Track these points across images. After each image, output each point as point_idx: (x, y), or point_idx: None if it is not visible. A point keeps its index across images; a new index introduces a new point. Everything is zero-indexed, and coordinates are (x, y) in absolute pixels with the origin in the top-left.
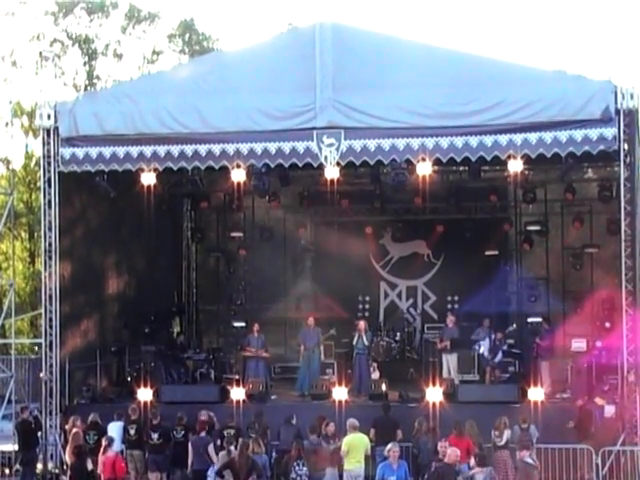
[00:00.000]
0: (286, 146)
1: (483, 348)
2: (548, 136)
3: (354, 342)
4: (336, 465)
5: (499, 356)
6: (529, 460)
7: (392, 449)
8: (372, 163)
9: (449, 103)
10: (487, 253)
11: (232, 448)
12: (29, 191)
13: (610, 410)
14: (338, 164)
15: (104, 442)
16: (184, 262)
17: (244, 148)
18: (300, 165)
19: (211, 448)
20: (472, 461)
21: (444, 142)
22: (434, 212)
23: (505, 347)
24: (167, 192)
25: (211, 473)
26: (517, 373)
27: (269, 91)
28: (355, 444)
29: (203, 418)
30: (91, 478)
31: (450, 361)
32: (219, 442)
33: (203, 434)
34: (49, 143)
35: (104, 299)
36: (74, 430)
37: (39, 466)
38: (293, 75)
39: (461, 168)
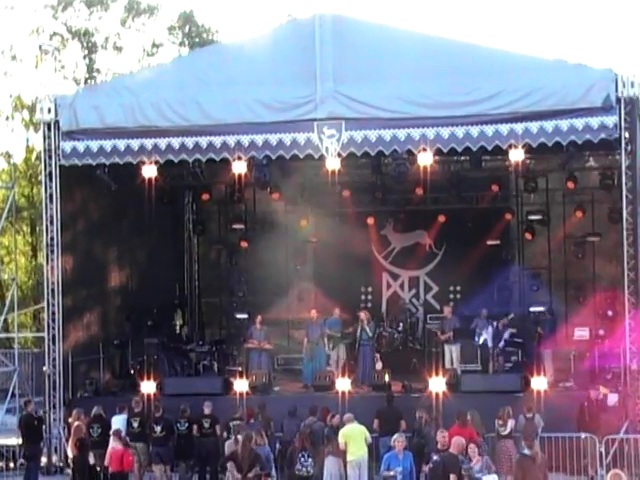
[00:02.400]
0: (287, 137)
1: (485, 336)
2: (549, 125)
3: (357, 333)
4: (339, 455)
5: (502, 342)
6: (527, 452)
7: (398, 440)
8: (373, 154)
9: (450, 93)
10: (489, 243)
11: (239, 437)
12: (30, 185)
13: (613, 398)
14: (339, 155)
15: (112, 435)
16: (186, 254)
17: (245, 140)
18: (301, 156)
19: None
20: (474, 450)
21: (445, 132)
22: (435, 202)
23: (507, 334)
24: (168, 184)
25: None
26: (520, 362)
27: (269, 83)
28: (352, 434)
29: (207, 411)
30: (93, 471)
31: (453, 351)
32: (225, 434)
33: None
34: (50, 137)
35: (106, 292)
36: (76, 423)
37: (43, 460)
38: (293, 66)
39: (462, 158)
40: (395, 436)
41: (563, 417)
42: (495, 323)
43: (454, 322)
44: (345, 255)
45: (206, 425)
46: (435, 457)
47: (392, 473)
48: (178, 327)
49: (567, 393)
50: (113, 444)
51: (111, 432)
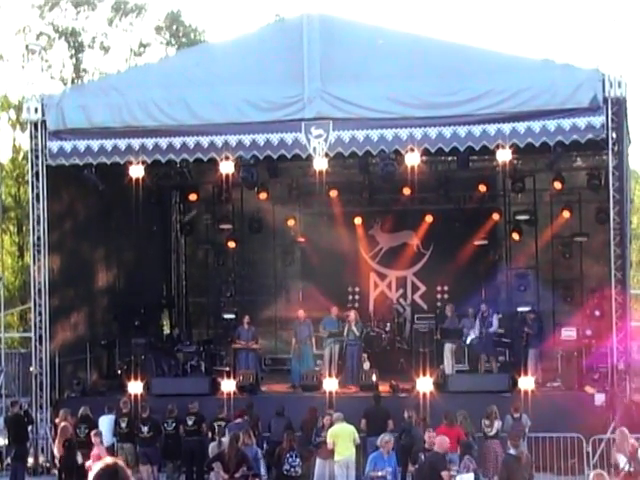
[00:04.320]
0: (274, 137)
1: (472, 335)
2: (536, 125)
3: (345, 333)
4: (327, 457)
5: (494, 326)
6: (512, 451)
7: (388, 440)
8: (361, 154)
9: (437, 93)
10: (476, 243)
11: (223, 439)
12: (17, 185)
13: (600, 398)
14: (327, 155)
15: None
16: (173, 254)
17: (232, 140)
18: (289, 156)
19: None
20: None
21: (432, 132)
22: (423, 202)
23: (495, 319)
24: (155, 184)
25: (250, 455)
26: (507, 362)
27: (257, 82)
28: (340, 434)
29: (193, 411)
30: (81, 471)
31: (449, 350)
32: (210, 434)
33: (239, 420)
34: (37, 137)
35: (93, 292)
36: (62, 424)
37: (30, 460)
38: (281, 66)
39: (450, 158)
40: (386, 437)
41: (551, 417)
42: (479, 313)
43: (454, 322)
44: (333, 255)
45: (190, 423)
46: (421, 457)
47: (381, 473)
48: (169, 327)
49: (554, 393)
50: (99, 446)
51: (93, 433)
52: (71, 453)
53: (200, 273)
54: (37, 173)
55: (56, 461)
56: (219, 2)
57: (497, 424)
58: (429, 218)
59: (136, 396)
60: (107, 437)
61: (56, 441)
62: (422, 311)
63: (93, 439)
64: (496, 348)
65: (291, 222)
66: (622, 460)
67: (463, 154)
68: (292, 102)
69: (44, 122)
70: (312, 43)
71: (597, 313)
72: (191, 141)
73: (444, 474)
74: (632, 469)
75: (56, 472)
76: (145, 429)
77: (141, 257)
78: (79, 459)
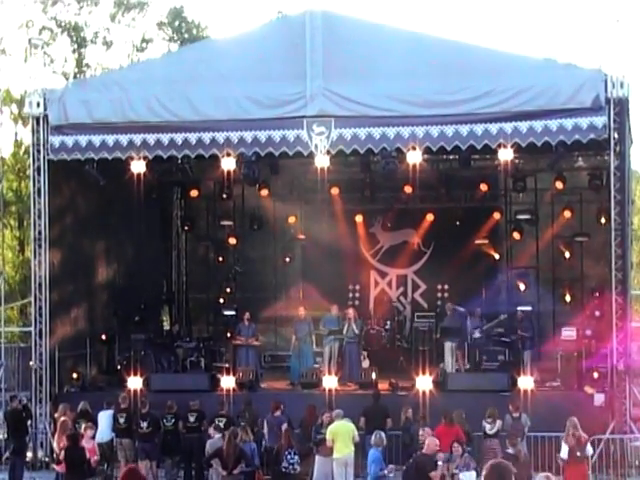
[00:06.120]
0: (276, 134)
1: (476, 334)
2: (538, 125)
3: (344, 331)
4: (329, 455)
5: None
6: (510, 450)
7: (384, 438)
8: (362, 152)
9: (439, 92)
10: (477, 242)
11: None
12: (18, 179)
13: (600, 399)
14: (328, 153)
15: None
16: (174, 250)
17: (234, 136)
18: (290, 154)
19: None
20: (458, 449)
21: (434, 131)
22: (424, 201)
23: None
24: (157, 180)
25: (248, 451)
26: (507, 362)
27: (259, 79)
28: (339, 432)
29: (194, 408)
30: (87, 464)
31: (452, 349)
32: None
33: (278, 413)
34: (38, 131)
35: (94, 287)
36: (62, 418)
37: (29, 454)
38: (283, 63)
39: (451, 157)
40: (384, 435)
41: (550, 417)
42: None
43: (455, 321)
44: (333, 253)
45: (191, 420)
46: (409, 459)
47: (387, 472)
48: (170, 324)
49: (554, 393)
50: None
51: (86, 427)
52: (77, 447)
53: (200, 269)
54: (39, 168)
55: (60, 456)
56: None
57: (498, 424)
58: (430, 217)
59: (135, 392)
60: (106, 432)
61: (55, 436)
62: (422, 309)
63: (85, 432)
64: (485, 348)
65: (292, 219)
66: (564, 450)
67: (465, 153)
68: (294, 99)
69: (46, 117)
70: (315, 40)
71: (597, 313)
72: (193, 137)
73: (432, 474)
74: (579, 454)
75: (54, 467)
76: (144, 425)
77: (141, 253)
78: (87, 453)
